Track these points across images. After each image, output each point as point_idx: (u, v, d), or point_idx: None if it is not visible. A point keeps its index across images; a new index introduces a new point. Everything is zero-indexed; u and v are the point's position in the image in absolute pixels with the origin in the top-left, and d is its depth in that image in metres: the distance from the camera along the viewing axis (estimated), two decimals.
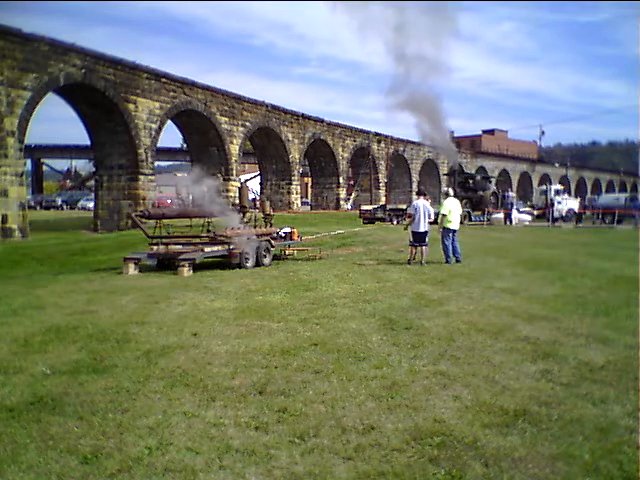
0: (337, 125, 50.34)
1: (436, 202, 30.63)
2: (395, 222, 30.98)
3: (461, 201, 34.61)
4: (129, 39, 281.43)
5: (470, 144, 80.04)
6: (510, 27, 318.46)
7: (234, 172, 38.95)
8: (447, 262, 12.85)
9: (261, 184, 48.01)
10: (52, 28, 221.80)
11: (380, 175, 56.57)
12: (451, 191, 14.68)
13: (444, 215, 13.38)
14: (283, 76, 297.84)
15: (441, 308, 7.65)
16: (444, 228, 13.19)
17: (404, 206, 32.30)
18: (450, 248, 13.03)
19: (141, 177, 31.21)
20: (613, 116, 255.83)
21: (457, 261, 12.95)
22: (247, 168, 66.86)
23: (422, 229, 12.99)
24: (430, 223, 13.35)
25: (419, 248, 12.98)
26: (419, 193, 14.11)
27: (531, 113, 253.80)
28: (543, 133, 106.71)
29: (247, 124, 40.05)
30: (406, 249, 14.27)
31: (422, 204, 13.17)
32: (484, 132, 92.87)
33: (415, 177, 60.88)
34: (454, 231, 13.18)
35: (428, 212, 13.19)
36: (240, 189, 17.61)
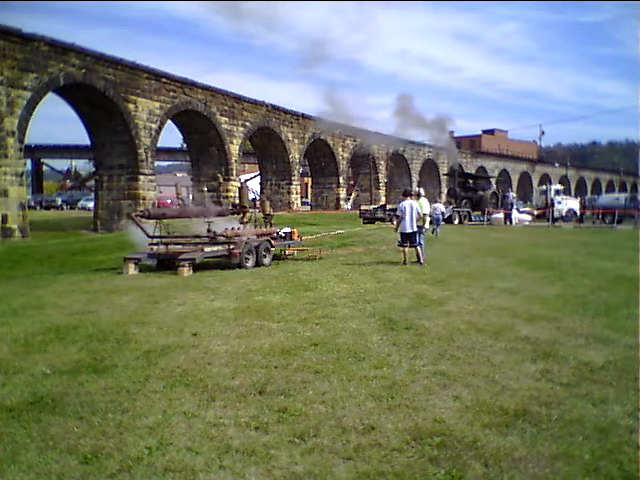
0: (337, 125, 50.20)
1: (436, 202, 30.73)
2: (395, 222, 31.02)
3: (461, 201, 34.92)
4: (129, 39, 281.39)
5: (470, 144, 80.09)
6: (511, 27, 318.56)
7: (234, 172, 38.97)
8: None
9: (261, 184, 48.04)
10: (52, 28, 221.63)
11: (380, 175, 56.60)
12: (422, 191, 15.90)
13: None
14: (284, 76, 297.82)
15: (441, 308, 7.65)
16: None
17: None
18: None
19: (141, 177, 31.23)
20: (613, 116, 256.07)
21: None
22: (247, 168, 66.91)
23: (409, 229, 12.90)
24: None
25: (410, 249, 12.96)
26: (405, 194, 13.99)
27: (531, 113, 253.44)
28: (543, 133, 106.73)
29: (247, 124, 40.06)
30: None
31: (409, 204, 13.10)
32: (484, 132, 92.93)
33: (415, 177, 60.89)
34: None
35: (417, 212, 13.16)
36: (240, 189, 17.60)
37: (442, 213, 24.29)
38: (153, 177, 32.59)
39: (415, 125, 44.78)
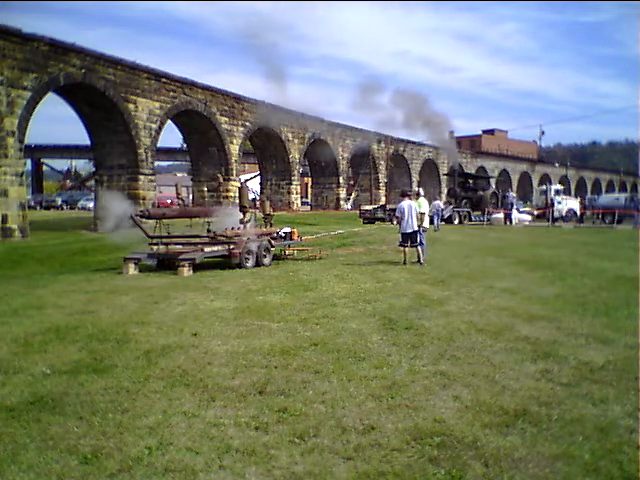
0: (337, 125, 50.30)
1: (435, 199, 30.88)
2: (395, 222, 31.12)
3: (461, 201, 34.93)
4: (129, 39, 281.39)
5: (470, 144, 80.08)
6: (511, 27, 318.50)
7: (234, 172, 38.95)
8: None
9: (261, 184, 48.03)
10: (52, 28, 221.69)
11: (380, 175, 56.59)
12: (422, 191, 15.75)
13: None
14: (285, 76, 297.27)
15: (441, 308, 7.65)
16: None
17: None
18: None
19: (141, 177, 31.22)
20: (613, 116, 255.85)
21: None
22: (247, 168, 66.92)
23: (409, 230, 12.94)
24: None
25: (410, 249, 12.94)
26: (403, 194, 13.99)
27: (531, 113, 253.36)
28: (543, 133, 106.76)
29: (247, 124, 40.05)
30: None
31: (407, 205, 13.13)
32: (484, 132, 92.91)
33: (415, 177, 60.88)
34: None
35: (416, 212, 13.14)
36: (240, 189, 17.59)
37: (441, 209, 26.56)
38: (153, 177, 32.56)
39: (386, 121, 43.80)
